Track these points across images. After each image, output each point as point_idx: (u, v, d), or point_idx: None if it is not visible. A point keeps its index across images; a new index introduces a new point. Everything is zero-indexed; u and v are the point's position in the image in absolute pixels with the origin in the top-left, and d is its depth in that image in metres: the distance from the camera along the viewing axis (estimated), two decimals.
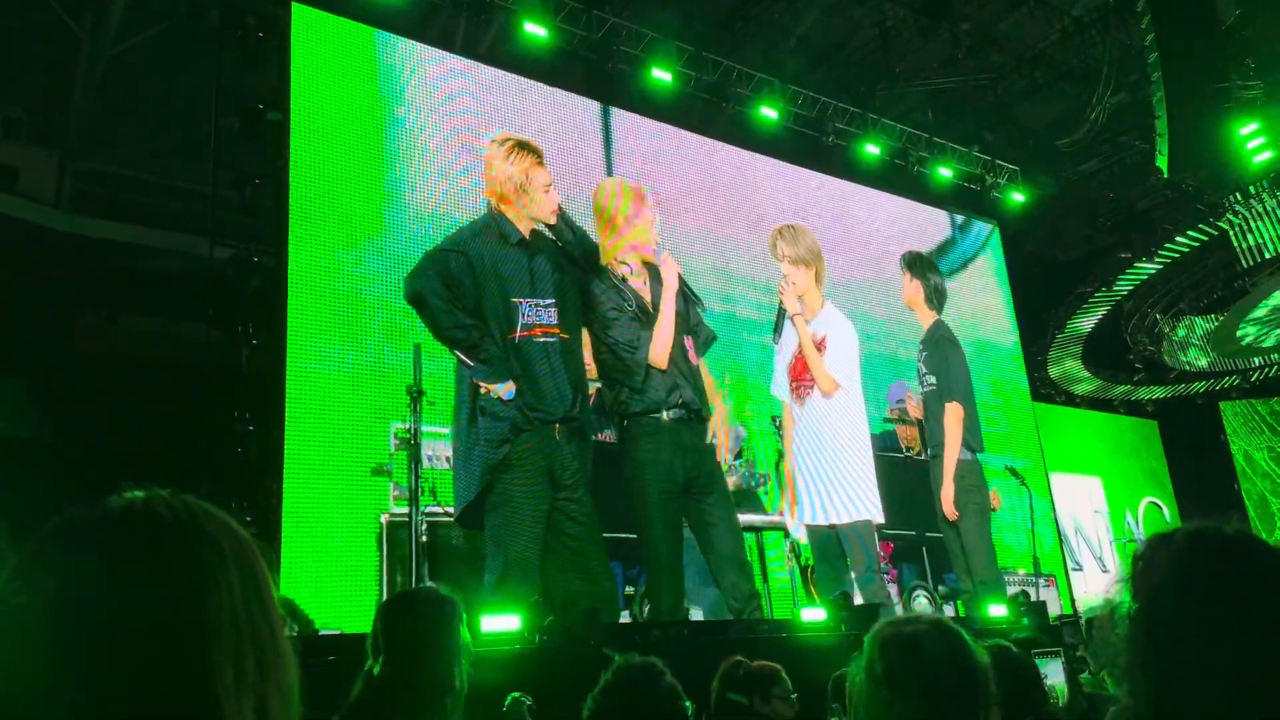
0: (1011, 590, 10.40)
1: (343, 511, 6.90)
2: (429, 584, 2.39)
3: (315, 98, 7.65)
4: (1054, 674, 4.31)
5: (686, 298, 6.35)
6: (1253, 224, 12.02)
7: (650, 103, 9.87)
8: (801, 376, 6.74)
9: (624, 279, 6.08)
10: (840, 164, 11.37)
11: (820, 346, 6.60)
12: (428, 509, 6.46)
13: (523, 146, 5.56)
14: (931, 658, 1.58)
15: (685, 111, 10.24)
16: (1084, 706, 3.03)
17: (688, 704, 2.08)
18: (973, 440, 7.19)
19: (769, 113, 10.57)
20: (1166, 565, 1.24)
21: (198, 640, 0.80)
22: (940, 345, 7.27)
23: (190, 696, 0.78)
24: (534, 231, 5.61)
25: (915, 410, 7.65)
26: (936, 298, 7.47)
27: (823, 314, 6.74)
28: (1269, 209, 11.78)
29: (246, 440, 6.96)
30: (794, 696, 3.22)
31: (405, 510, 6.36)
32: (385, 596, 6.79)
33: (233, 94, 7.69)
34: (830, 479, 6.59)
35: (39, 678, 0.76)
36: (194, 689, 0.78)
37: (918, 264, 7.61)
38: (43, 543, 0.83)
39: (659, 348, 5.94)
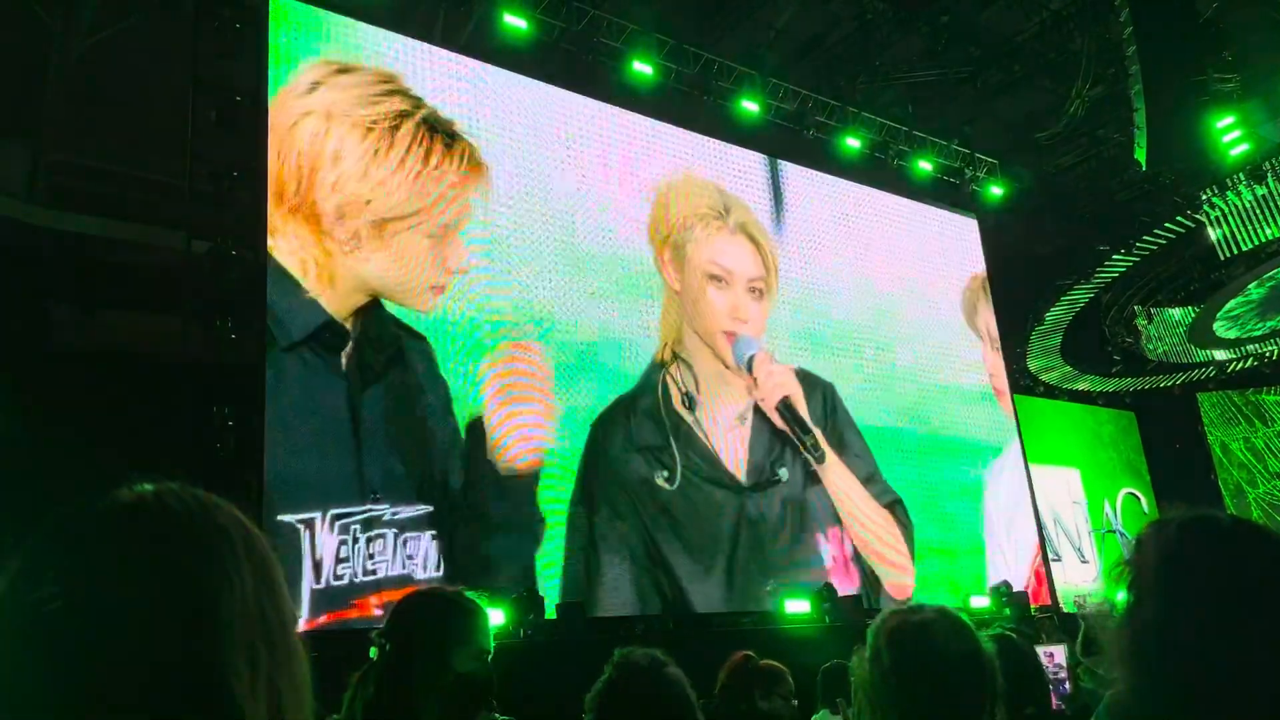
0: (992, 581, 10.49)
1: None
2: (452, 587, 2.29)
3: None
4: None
5: None
6: (1229, 216, 12.10)
7: (631, 95, 9.83)
8: None
9: None
10: (821, 157, 11.38)
11: None
12: None
13: None
14: (941, 646, 1.56)
15: (666, 104, 10.20)
16: (1085, 700, 3.03)
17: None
18: None
19: (750, 106, 10.56)
20: (1159, 553, 1.23)
21: (212, 633, 0.78)
22: None
23: (206, 690, 0.76)
24: None
25: None
26: None
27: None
28: (1245, 201, 11.87)
29: (225, 435, 6.88)
30: (795, 703, 3.22)
31: None
32: None
33: (209, 85, 7.59)
34: None
35: (54, 673, 0.74)
36: (209, 682, 0.77)
37: None
38: (52, 537, 0.80)
39: None
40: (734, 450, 9.24)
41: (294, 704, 0.83)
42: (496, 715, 3.87)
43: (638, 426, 8.72)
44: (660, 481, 8.62)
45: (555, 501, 8.00)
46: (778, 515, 9.31)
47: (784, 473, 9.49)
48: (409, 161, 7.81)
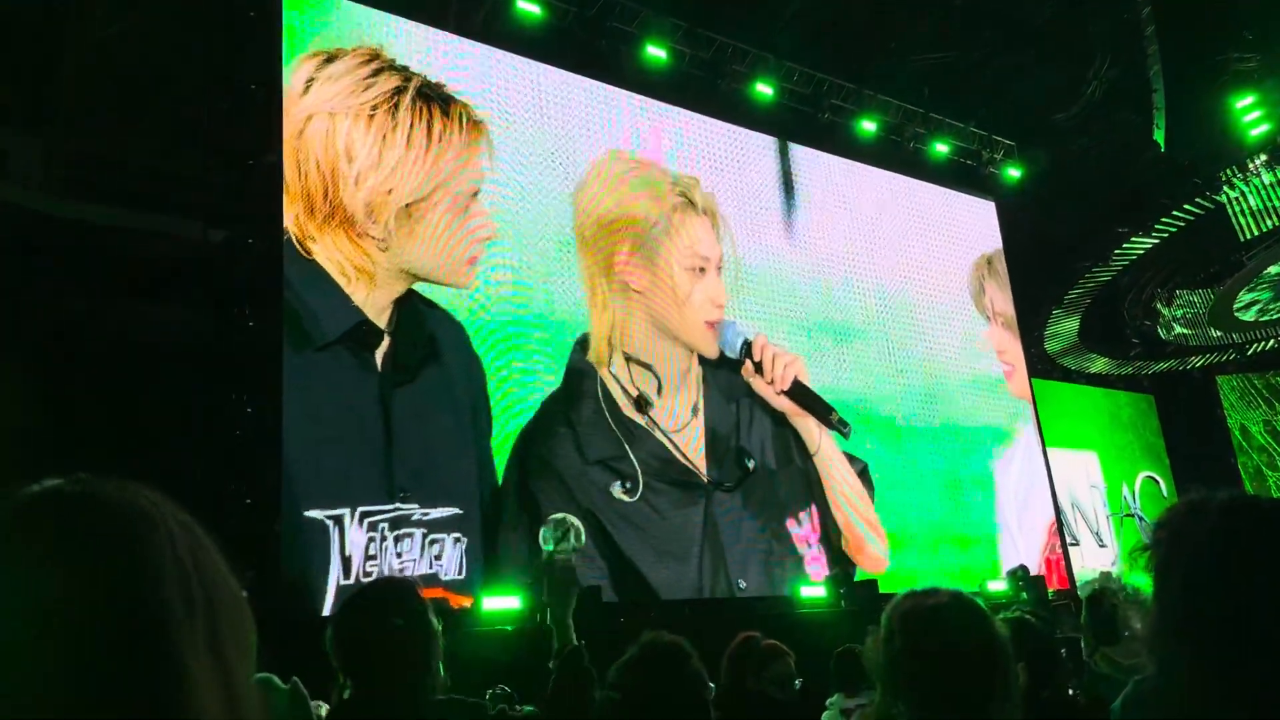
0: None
1: None
2: (378, 576, 2.27)
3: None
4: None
5: None
6: (1250, 197, 11.98)
7: (645, 80, 9.80)
8: None
9: None
10: (836, 140, 11.33)
11: None
12: None
13: None
14: (952, 630, 1.56)
15: (679, 88, 10.16)
16: (1100, 686, 3.03)
17: (712, 686, 2.05)
18: None
19: (764, 89, 10.52)
20: (1206, 536, 1.20)
21: (149, 587, 0.79)
22: None
23: (145, 648, 0.77)
24: None
25: None
26: None
27: None
28: (1266, 182, 11.75)
29: (244, 422, 6.92)
30: (798, 681, 3.22)
31: None
32: None
33: (223, 75, 7.61)
34: None
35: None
36: (150, 644, 0.78)
37: None
38: None
39: None
40: (693, 446, 8.85)
41: (240, 654, 0.84)
42: (521, 707, 3.89)
43: (586, 438, 8.21)
44: (620, 493, 8.21)
45: None
46: (746, 506, 9.02)
47: (752, 463, 9.19)
48: (415, 138, 7.75)
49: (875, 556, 9.78)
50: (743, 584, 8.63)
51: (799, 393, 9.36)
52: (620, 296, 8.80)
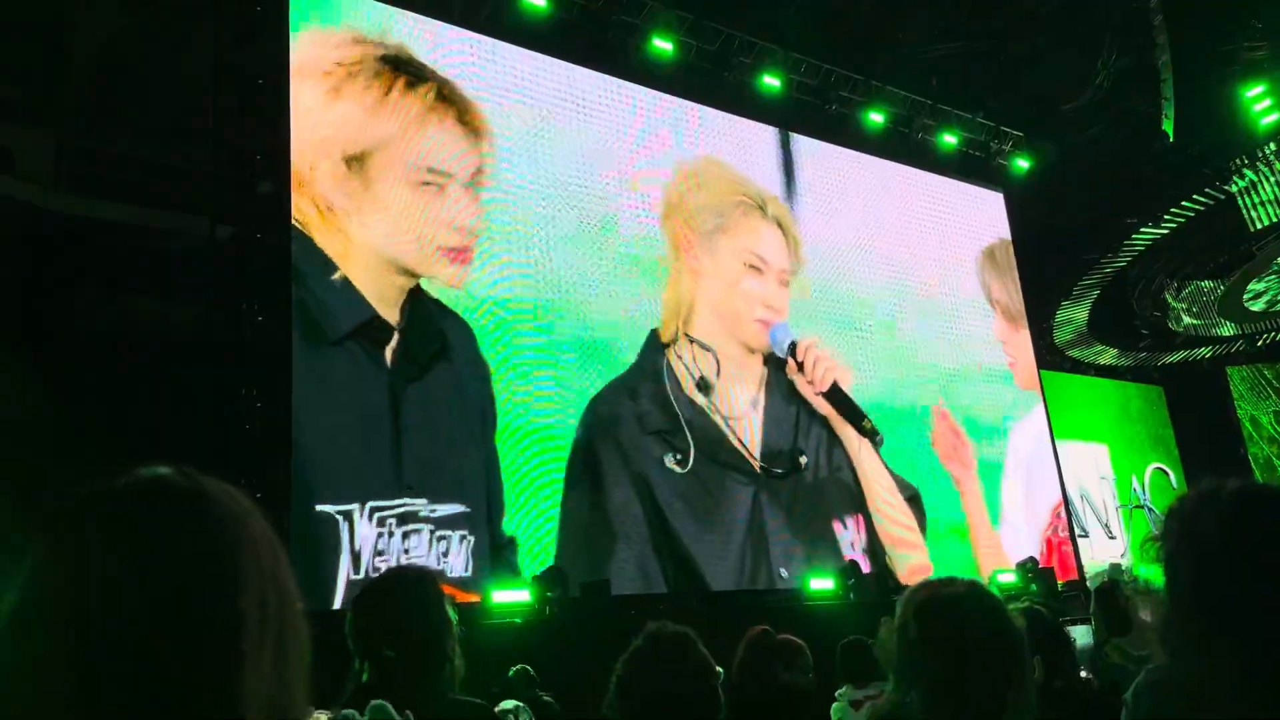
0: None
1: None
2: (398, 565, 2.30)
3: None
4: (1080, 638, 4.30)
5: None
6: (1261, 187, 11.92)
7: (651, 73, 9.77)
8: None
9: None
10: (844, 132, 11.28)
11: None
12: None
13: None
14: (967, 621, 1.55)
15: (686, 81, 10.13)
16: (1112, 677, 3.02)
17: (720, 670, 2.04)
18: None
19: (772, 81, 10.48)
20: (1216, 523, 1.19)
21: (234, 595, 0.79)
22: None
23: (217, 655, 0.77)
24: None
25: None
26: None
27: None
28: (1277, 171, 11.69)
29: (253, 417, 6.93)
30: (811, 676, 3.22)
31: None
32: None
33: (231, 70, 7.60)
34: None
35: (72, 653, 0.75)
36: (221, 652, 0.78)
37: None
38: (63, 524, 0.81)
39: None
40: (748, 435, 9.12)
41: (297, 672, 0.84)
42: (540, 693, 3.89)
43: (647, 411, 8.56)
44: (671, 464, 8.49)
45: (557, 483, 8.01)
46: (795, 501, 9.22)
47: (805, 459, 9.41)
48: (365, 100, 7.67)
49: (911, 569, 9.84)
50: (784, 573, 8.79)
51: (835, 396, 9.65)
52: (689, 277, 9.22)
